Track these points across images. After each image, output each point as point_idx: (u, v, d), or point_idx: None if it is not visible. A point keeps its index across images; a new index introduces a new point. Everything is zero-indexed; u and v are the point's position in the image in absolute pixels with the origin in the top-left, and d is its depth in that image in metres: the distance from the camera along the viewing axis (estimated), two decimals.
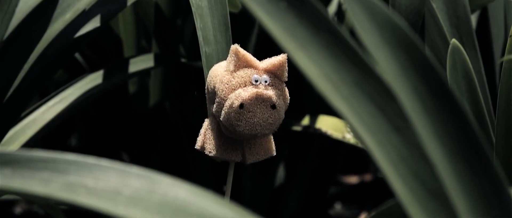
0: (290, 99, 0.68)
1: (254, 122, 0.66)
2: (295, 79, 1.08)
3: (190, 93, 1.05)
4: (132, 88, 1.06)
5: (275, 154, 0.71)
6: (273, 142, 0.71)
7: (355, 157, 1.57)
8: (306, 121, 1.00)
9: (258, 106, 0.66)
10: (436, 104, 0.44)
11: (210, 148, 0.69)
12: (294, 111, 1.03)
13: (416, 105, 0.45)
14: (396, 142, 0.45)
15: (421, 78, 0.45)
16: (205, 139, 0.69)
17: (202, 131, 0.70)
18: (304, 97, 1.08)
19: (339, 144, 1.12)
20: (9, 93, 0.82)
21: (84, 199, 0.43)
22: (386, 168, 0.44)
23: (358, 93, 0.46)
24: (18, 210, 1.30)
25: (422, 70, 0.45)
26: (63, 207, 1.20)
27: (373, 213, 0.45)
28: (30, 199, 1.06)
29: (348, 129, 0.98)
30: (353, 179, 1.56)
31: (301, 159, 1.12)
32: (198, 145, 0.70)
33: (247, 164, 0.70)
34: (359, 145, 0.96)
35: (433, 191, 0.44)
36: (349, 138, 0.97)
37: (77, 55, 1.06)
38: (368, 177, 1.57)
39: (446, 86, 0.44)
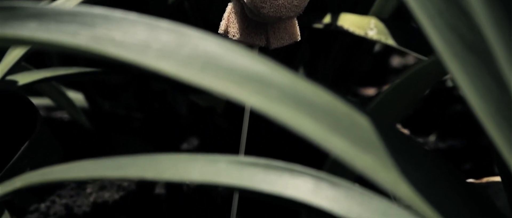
0: None
1: (279, 3, 0.65)
2: None
3: None
4: None
5: (299, 39, 0.70)
6: (298, 27, 0.69)
7: (373, 69, 1.56)
8: (327, 18, 0.99)
9: None
10: None
11: (234, 32, 0.68)
12: (316, 10, 1.01)
13: None
14: None
15: None
16: (229, 22, 0.68)
17: (225, 15, 0.68)
18: None
19: (361, 43, 1.11)
20: None
21: (112, 51, 0.42)
22: (423, 21, 0.43)
23: None
24: None
25: None
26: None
27: (414, 69, 0.44)
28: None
29: (371, 26, 0.96)
30: (371, 91, 1.56)
31: (322, 59, 1.10)
32: (221, 29, 0.68)
33: (271, 48, 0.69)
34: (382, 40, 0.95)
35: (471, 44, 0.43)
36: (372, 35, 0.96)
37: None
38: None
39: None
